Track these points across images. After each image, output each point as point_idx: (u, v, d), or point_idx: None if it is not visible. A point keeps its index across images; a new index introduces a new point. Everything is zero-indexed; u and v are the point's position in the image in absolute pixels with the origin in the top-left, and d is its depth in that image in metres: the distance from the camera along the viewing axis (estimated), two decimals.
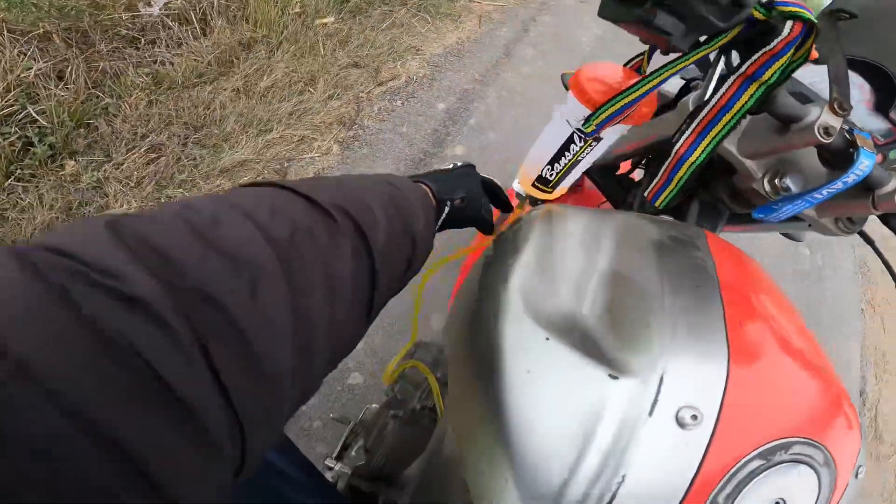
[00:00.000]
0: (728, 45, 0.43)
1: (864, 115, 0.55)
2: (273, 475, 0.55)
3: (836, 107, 0.45)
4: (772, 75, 0.42)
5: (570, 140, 0.55)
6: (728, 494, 0.31)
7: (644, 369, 0.32)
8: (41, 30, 1.71)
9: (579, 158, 0.56)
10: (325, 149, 1.76)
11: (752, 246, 1.93)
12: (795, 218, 0.55)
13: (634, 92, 0.46)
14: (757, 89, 0.43)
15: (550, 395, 0.33)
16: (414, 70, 2.19)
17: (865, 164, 0.43)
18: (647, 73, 0.48)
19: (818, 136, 0.44)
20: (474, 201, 0.51)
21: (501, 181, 0.59)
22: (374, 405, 0.94)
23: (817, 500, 0.34)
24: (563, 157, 0.57)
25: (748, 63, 0.43)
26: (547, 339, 0.34)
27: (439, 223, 0.47)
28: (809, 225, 0.57)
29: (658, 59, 0.52)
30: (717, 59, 0.53)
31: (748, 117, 0.50)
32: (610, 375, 0.32)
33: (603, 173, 0.85)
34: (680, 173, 0.50)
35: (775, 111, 0.46)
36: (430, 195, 0.46)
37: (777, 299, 0.44)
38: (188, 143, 1.68)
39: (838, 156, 0.45)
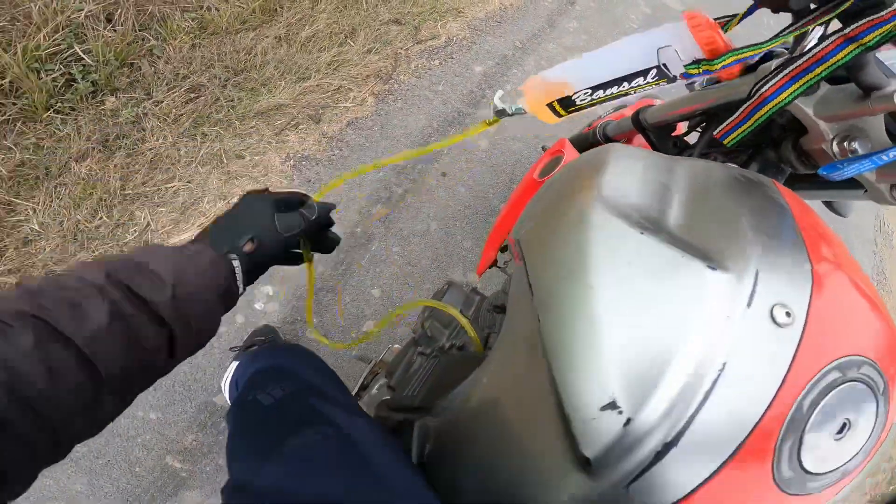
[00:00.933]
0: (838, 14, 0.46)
1: None
2: (313, 394, 0.57)
3: None
4: (873, 39, 0.43)
5: (644, 72, 0.54)
6: (812, 401, 0.31)
7: (739, 264, 0.33)
8: None
9: (632, 93, 0.56)
10: (360, 99, 1.77)
11: None
12: (853, 183, 0.57)
13: (761, 47, 0.49)
14: (855, 49, 0.45)
15: (651, 285, 0.33)
16: (454, 31, 2.16)
17: None
18: (777, 33, 0.51)
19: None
20: (270, 238, 0.45)
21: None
22: (396, 345, 0.95)
23: (872, 429, 0.34)
24: (618, 85, 0.55)
25: (854, 26, 0.44)
26: (641, 233, 0.35)
27: (240, 281, 0.42)
28: (865, 191, 0.58)
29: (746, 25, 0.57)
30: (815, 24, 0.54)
31: (826, 86, 0.53)
32: (709, 266, 0.33)
33: (659, 133, 0.85)
34: (760, 113, 0.52)
35: (862, 77, 0.48)
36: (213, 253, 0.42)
37: (846, 253, 0.45)
38: (227, 85, 1.71)
39: None
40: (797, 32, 0.50)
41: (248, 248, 0.44)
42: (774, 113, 0.53)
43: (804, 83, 0.49)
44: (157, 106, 1.59)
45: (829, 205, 0.76)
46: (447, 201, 1.69)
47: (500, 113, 0.61)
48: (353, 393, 0.87)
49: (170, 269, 0.36)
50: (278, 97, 1.70)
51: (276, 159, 1.56)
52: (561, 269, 0.39)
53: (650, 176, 0.45)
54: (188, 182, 1.45)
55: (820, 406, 0.32)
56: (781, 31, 0.51)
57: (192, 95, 1.66)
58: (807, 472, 0.32)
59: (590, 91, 0.58)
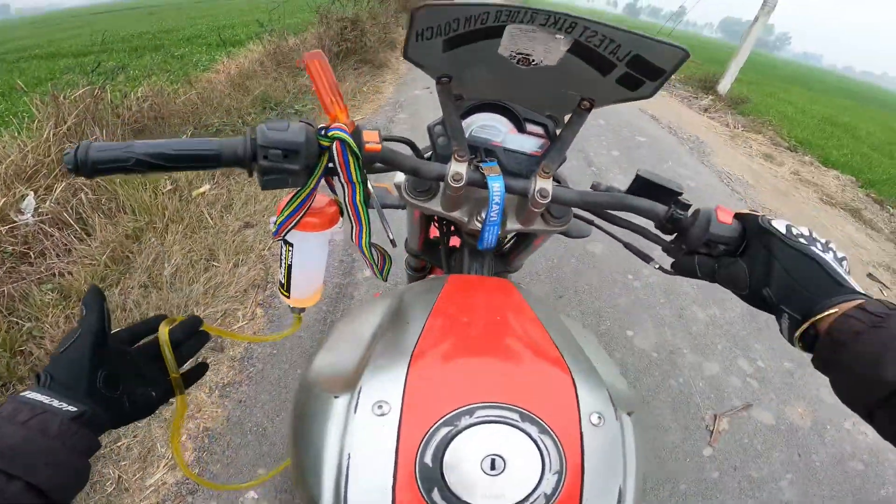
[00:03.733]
0: (329, 169, 0.53)
1: (516, 140, 0.68)
2: None
3: (457, 156, 0.58)
4: (357, 176, 0.53)
5: (281, 247, 0.62)
6: (432, 456, 0.38)
7: (350, 387, 0.43)
8: None
9: (289, 263, 0.62)
10: (249, 315, 2.01)
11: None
12: (522, 237, 0.80)
13: (292, 204, 0.54)
14: (361, 188, 0.54)
15: (317, 423, 0.44)
16: None
17: (496, 186, 0.56)
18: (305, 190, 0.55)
19: (452, 183, 0.57)
20: (76, 375, 0.43)
21: None
22: None
23: (541, 449, 0.39)
24: (281, 262, 0.63)
25: (343, 176, 0.53)
26: (334, 396, 0.44)
27: (59, 404, 0.40)
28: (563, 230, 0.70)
29: None
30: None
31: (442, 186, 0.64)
32: (334, 396, 0.43)
33: (426, 249, 1.03)
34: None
35: (425, 178, 0.60)
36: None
37: (504, 308, 0.55)
38: None
39: (481, 185, 0.59)
40: (304, 193, 0.54)
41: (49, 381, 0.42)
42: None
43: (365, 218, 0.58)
44: None
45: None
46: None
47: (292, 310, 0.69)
48: None
49: None
50: None
51: (202, 395, 1.70)
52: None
53: (351, 331, 0.58)
54: (134, 437, 1.53)
55: (446, 455, 0.38)
56: (295, 194, 0.54)
57: None
58: None
59: (280, 273, 0.66)
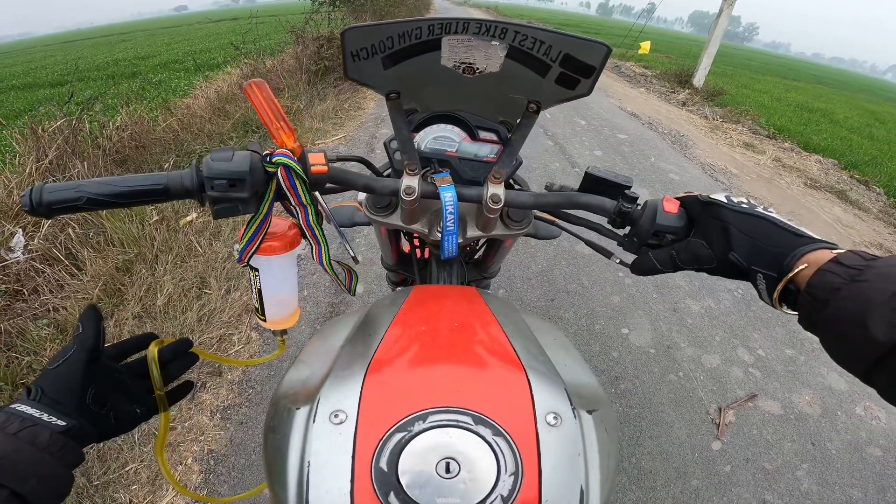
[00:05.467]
0: (281, 193, 0.54)
1: (471, 147, 0.69)
2: None
3: (408, 170, 0.59)
4: (306, 199, 0.55)
5: (248, 272, 0.64)
6: (387, 461, 0.39)
7: (310, 400, 0.44)
8: None
9: (258, 287, 0.63)
10: (244, 339, 1.99)
11: None
12: (492, 242, 0.81)
13: (249, 230, 0.55)
14: (311, 209, 0.56)
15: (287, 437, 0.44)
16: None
17: (448, 196, 0.58)
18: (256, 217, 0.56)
19: (405, 197, 0.58)
20: (67, 390, 0.43)
21: None
22: None
23: (496, 451, 0.40)
24: (251, 288, 0.65)
25: (293, 199, 0.54)
26: (296, 408, 0.45)
27: (48, 417, 0.41)
28: (533, 233, 0.72)
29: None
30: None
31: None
32: (295, 408, 0.44)
33: (400, 263, 1.04)
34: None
35: (379, 195, 0.61)
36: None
37: (464, 315, 0.57)
38: None
39: (434, 197, 0.59)
40: (256, 221, 0.55)
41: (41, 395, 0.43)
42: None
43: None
44: None
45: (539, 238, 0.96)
46: None
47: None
48: None
49: None
50: None
51: (204, 419, 1.68)
52: None
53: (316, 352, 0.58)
54: (141, 461, 1.52)
55: (401, 460, 0.39)
56: (250, 221, 0.55)
57: None
58: None
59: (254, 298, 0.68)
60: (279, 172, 0.52)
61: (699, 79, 7.84)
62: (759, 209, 0.48)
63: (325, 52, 5.60)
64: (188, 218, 2.55)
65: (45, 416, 0.41)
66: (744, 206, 0.49)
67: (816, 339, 0.42)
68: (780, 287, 0.44)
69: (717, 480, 1.58)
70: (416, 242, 0.94)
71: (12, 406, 0.41)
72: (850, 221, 3.80)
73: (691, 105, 7.04)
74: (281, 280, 0.65)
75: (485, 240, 0.90)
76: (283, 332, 0.70)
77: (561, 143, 4.55)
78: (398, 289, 0.95)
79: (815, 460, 1.70)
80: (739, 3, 7.10)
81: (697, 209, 0.53)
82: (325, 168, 0.54)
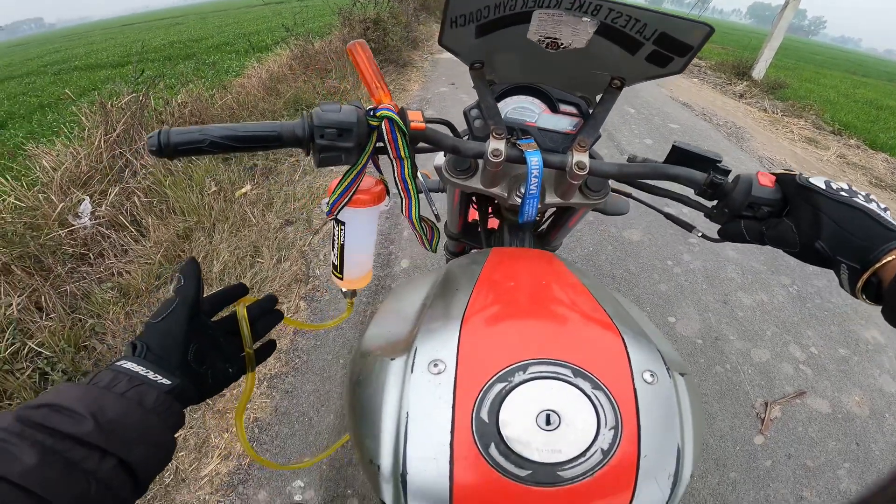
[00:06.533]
0: (377, 148, 0.56)
1: (551, 119, 0.68)
2: None
3: (495, 134, 0.59)
4: (405, 151, 0.56)
5: (333, 228, 0.66)
6: (488, 412, 0.38)
7: (406, 350, 0.44)
8: None
9: (341, 242, 0.65)
10: (294, 308, 2.07)
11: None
12: (559, 214, 0.80)
13: (343, 182, 0.58)
14: (409, 162, 0.57)
15: (373, 387, 0.45)
16: None
17: (535, 160, 0.58)
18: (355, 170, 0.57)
19: (491, 159, 0.59)
20: (171, 347, 0.43)
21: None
22: None
23: (596, 404, 0.39)
24: (334, 244, 0.66)
25: (392, 152, 0.56)
26: (390, 359, 0.45)
27: (160, 381, 0.40)
28: (603, 202, 0.70)
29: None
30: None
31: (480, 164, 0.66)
32: (390, 359, 0.44)
33: (465, 232, 1.08)
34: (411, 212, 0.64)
35: (464, 156, 0.61)
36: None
37: (549, 275, 0.56)
38: None
39: (520, 161, 0.60)
40: (356, 170, 0.57)
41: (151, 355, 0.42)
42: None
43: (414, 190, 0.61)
44: None
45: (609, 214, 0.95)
46: None
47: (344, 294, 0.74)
48: None
49: (83, 401, 0.35)
50: None
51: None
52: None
53: (396, 306, 0.59)
54: (191, 428, 1.61)
55: (502, 411, 0.38)
56: (349, 170, 0.56)
57: None
58: (540, 463, 0.37)
59: (333, 255, 0.70)
60: (383, 125, 0.53)
61: (759, 71, 7.44)
62: (859, 197, 0.48)
63: (372, 35, 5.64)
64: (243, 189, 2.66)
65: (151, 375, 0.40)
66: (843, 193, 0.48)
67: (871, 340, 0.42)
68: (864, 278, 0.44)
69: (756, 474, 1.55)
70: (490, 211, 0.95)
71: (118, 363, 0.40)
72: None
73: (749, 97, 6.71)
74: (364, 236, 0.67)
75: (552, 211, 0.90)
76: (353, 293, 0.71)
77: (610, 131, 4.44)
78: (474, 251, 0.94)
79: (857, 460, 1.64)
80: None
81: (793, 190, 0.52)
82: (423, 125, 0.56)
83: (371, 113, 0.53)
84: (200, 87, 3.96)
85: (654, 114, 5.15)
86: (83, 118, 3.01)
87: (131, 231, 2.29)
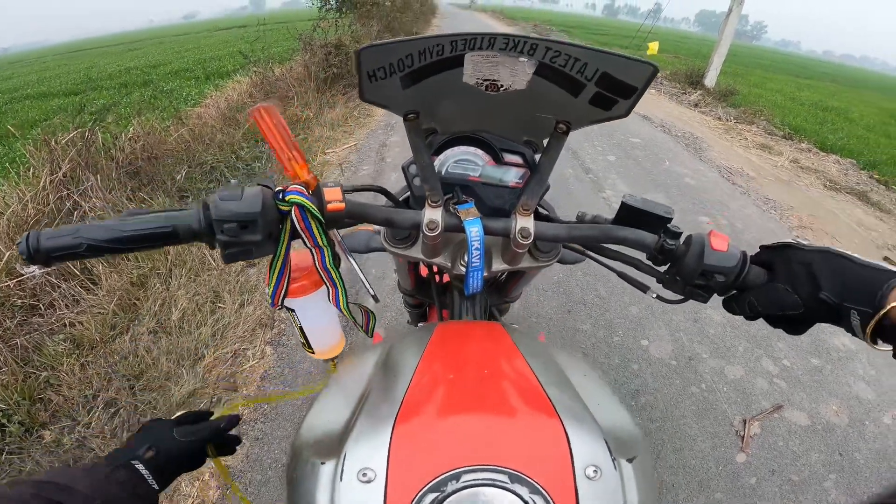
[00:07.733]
0: (294, 232, 0.51)
1: (495, 172, 0.66)
2: None
3: (430, 202, 0.56)
4: (322, 240, 0.52)
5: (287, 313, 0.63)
6: None
7: (336, 452, 0.42)
8: None
9: (300, 325, 0.64)
10: (259, 354, 1.98)
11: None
12: (513, 275, 0.78)
13: (273, 271, 0.53)
14: (328, 251, 0.53)
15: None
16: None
17: (475, 230, 0.54)
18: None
19: (427, 232, 0.55)
20: (164, 449, 0.54)
21: None
22: None
23: None
24: (293, 326, 0.65)
25: (308, 241, 0.51)
26: (321, 463, 0.43)
27: (151, 481, 0.51)
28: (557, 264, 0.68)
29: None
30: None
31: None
32: (321, 463, 0.42)
33: (419, 288, 1.01)
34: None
35: (399, 228, 0.58)
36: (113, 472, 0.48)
37: (493, 358, 0.54)
38: (136, 391, 1.76)
39: (459, 230, 0.56)
40: (280, 256, 0.52)
41: (148, 455, 0.52)
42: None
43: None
44: (88, 428, 1.61)
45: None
46: None
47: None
48: None
49: (88, 485, 0.44)
50: (187, 386, 1.81)
51: None
52: None
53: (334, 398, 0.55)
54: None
55: None
56: (273, 260, 0.52)
57: (112, 410, 1.69)
58: None
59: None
60: (293, 213, 0.48)
61: (711, 79, 7.75)
62: (834, 248, 0.47)
63: (334, 60, 5.62)
64: None
65: (150, 479, 0.51)
66: (814, 245, 0.48)
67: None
68: (873, 322, 0.42)
69: (741, 493, 1.55)
70: (436, 268, 0.91)
71: (132, 462, 0.51)
72: (872, 224, 3.72)
73: (704, 106, 6.96)
74: (321, 313, 0.63)
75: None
76: (333, 358, 0.69)
77: (574, 149, 4.50)
78: (420, 325, 0.91)
79: (842, 470, 1.65)
80: (747, 1, 7.01)
81: (775, 254, 0.51)
82: (343, 205, 0.51)
83: (280, 196, 0.48)
84: (154, 118, 3.81)
85: (616, 129, 5.26)
86: (29, 156, 2.84)
87: (82, 279, 2.16)
